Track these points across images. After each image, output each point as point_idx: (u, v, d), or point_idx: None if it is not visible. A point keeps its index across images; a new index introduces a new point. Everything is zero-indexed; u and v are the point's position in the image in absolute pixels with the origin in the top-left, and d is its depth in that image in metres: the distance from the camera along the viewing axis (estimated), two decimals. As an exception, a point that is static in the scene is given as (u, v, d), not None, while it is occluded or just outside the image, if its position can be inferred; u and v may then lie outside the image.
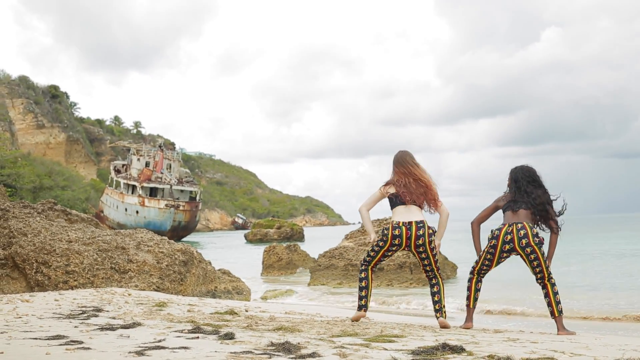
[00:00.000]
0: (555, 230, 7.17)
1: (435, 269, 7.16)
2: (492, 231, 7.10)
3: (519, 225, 6.94)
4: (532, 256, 6.93)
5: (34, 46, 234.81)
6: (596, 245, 38.02)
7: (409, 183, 7.16)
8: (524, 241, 6.88)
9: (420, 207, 7.13)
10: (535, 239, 6.90)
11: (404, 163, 7.28)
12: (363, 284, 7.25)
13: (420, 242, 6.96)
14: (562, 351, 4.68)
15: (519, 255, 7.04)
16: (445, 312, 7.12)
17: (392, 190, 7.20)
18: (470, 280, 7.26)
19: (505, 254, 7.04)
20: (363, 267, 7.30)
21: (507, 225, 7.00)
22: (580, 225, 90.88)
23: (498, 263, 7.15)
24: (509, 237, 6.94)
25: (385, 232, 7.09)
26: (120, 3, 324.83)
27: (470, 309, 7.20)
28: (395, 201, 7.16)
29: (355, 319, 7.14)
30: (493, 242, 7.01)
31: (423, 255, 7.06)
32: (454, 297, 13.53)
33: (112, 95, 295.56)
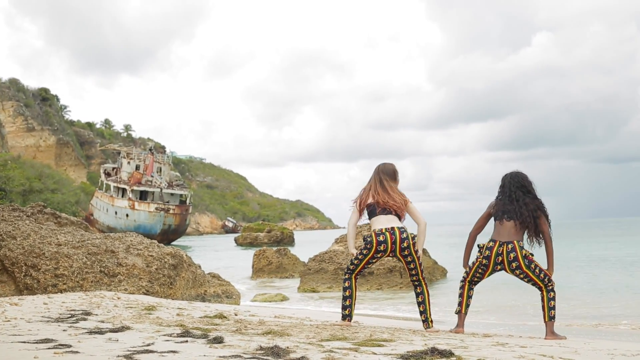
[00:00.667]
0: (548, 236, 7.16)
1: (420, 273, 7.14)
2: (482, 248, 7.13)
3: (509, 246, 6.95)
4: (522, 275, 7.01)
5: (25, 48, 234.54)
6: (592, 250, 38.08)
7: (382, 193, 7.20)
8: (514, 264, 6.93)
9: (398, 215, 7.16)
10: (525, 260, 6.93)
11: (379, 178, 7.33)
12: (347, 293, 7.19)
13: (405, 245, 6.96)
14: (550, 355, 4.69)
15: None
16: (431, 320, 7.16)
17: (369, 200, 7.24)
18: (462, 287, 7.27)
19: (498, 268, 7.08)
20: (347, 276, 7.24)
21: (497, 245, 7.00)
22: (572, 230, 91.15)
23: (490, 275, 7.23)
24: (500, 258, 6.98)
25: (369, 239, 7.06)
26: (112, 5, 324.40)
27: (462, 314, 7.18)
28: (374, 210, 7.18)
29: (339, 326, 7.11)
30: (485, 261, 7.04)
31: (409, 259, 7.05)
32: (446, 299, 13.53)
33: (103, 98, 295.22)
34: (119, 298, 9.51)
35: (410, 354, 4.47)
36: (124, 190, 73.98)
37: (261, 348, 4.55)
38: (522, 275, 6.97)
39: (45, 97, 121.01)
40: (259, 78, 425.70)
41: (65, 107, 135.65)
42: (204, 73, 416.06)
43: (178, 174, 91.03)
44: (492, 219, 7.28)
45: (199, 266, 13.66)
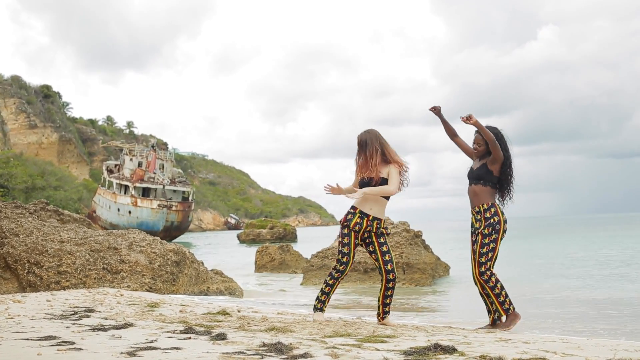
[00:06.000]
0: None
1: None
2: (500, 215, 6.77)
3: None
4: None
5: (31, 45, 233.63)
6: (592, 247, 37.98)
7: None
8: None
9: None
10: None
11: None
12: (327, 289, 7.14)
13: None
14: (553, 351, 4.69)
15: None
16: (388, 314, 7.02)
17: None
18: (497, 280, 6.79)
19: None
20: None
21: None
22: (576, 226, 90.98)
23: None
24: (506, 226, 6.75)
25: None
26: (118, 2, 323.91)
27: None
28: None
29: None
30: (504, 227, 6.73)
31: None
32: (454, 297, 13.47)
33: (108, 94, 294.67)
34: (121, 295, 9.52)
35: (414, 350, 4.47)
36: (126, 187, 73.92)
37: (264, 344, 4.55)
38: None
39: (47, 94, 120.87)
40: (263, 74, 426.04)
41: (68, 104, 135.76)
42: (209, 69, 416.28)
43: (180, 170, 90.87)
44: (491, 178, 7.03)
45: (202, 263, 13.67)
